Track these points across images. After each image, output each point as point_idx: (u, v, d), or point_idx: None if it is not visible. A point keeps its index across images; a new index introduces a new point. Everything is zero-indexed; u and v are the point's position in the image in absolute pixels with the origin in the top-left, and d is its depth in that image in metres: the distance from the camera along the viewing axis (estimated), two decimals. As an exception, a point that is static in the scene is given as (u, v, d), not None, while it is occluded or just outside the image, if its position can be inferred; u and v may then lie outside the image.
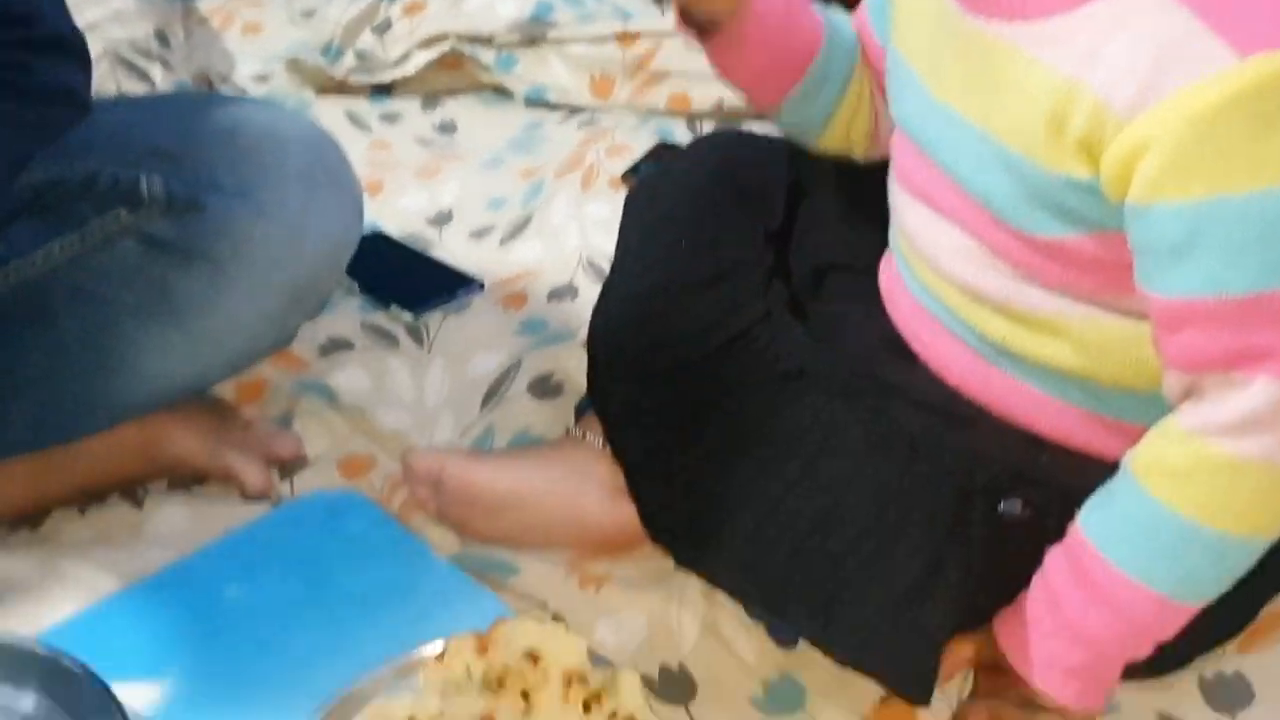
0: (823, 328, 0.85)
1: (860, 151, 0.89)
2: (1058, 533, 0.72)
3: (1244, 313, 0.62)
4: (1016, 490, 0.75)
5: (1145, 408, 0.71)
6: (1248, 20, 0.59)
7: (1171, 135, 0.59)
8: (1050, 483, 0.75)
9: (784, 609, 0.77)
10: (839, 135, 0.88)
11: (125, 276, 0.87)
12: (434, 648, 0.77)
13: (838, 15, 0.87)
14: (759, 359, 0.81)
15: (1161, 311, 0.65)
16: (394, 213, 1.29)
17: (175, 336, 0.88)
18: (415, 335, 1.12)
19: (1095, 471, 0.71)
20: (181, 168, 0.88)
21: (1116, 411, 0.74)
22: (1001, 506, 0.75)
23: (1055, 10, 0.64)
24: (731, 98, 1.30)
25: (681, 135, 1.38)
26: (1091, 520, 0.70)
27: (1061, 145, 0.65)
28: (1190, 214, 0.60)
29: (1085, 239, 0.68)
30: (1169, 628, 0.70)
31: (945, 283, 0.77)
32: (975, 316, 0.76)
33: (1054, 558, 0.72)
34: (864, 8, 0.87)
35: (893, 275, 0.84)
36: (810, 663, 0.79)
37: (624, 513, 0.85)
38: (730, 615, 0.83)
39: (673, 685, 0.80)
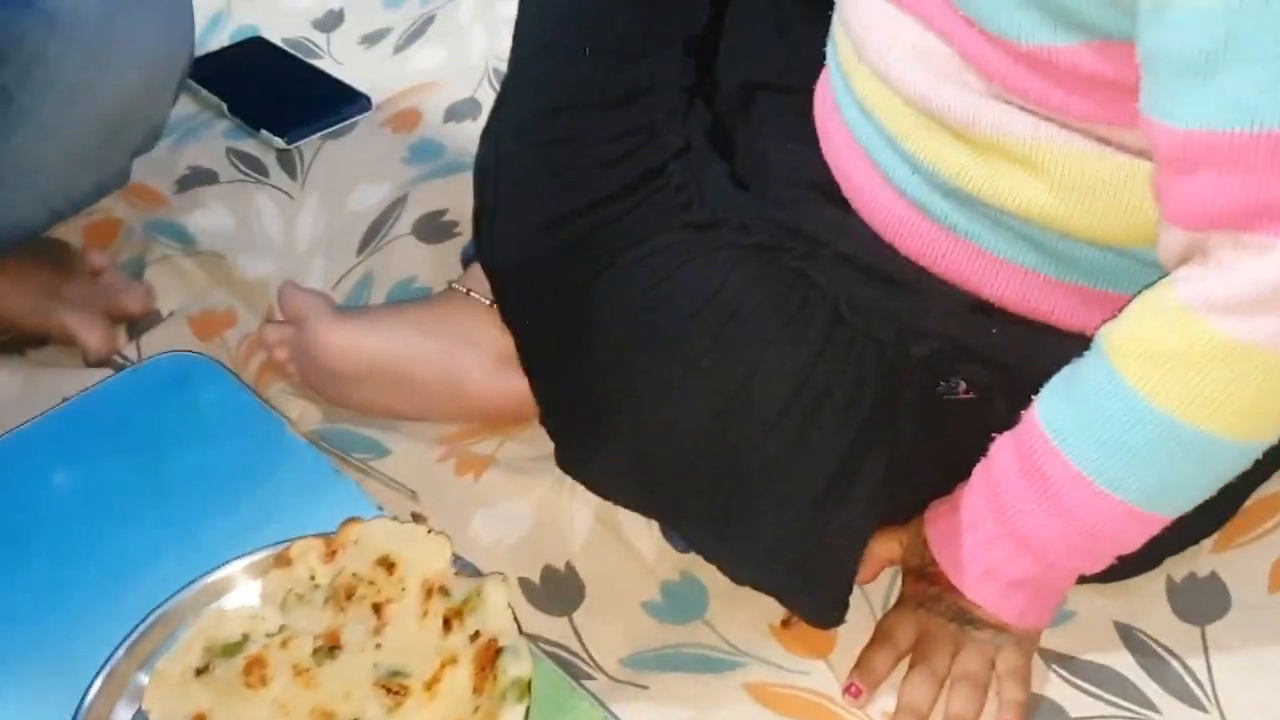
0: (747, 165, 0.70)
1: None
2: (1007, 420, 0.60)
3: (1275, 152, 0.48)
4: (959, 367, 0.63)
5: (1125, 273, 0.60)
6: None
7: None
8: (1000, 360, 0.63)
9: (675, 517, 0.66)
10: None
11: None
12: (276, 550, 0.66)
13: None
14: (669, 204, 0.68)
15: (1171, 146, 0.51)
16: (276, 13, 1.13)
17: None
18: (288, 165, 0.97)
19: (1056, 349, 0.59)
20: None
21: (1088, 276, 0.61)
22: (940, 386, 0.63)
23: None
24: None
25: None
26: (1051, 408, 0.58)
27: None
28: (1224, 16, 0.47)
29: (1082, 49, 0.54)
30: (1134, 540, 0.59)
31: (895, 99, 0.62)
32: (927, 145, 0.62)
33: (1001, 450, 0.60)
34: None
35: (829, 102, 0.69)
36: (718, 561, 0.68)
37: (512, 384, 0.74)
38: (629, 503, 0.72)
39: (557, 590, 0.69)
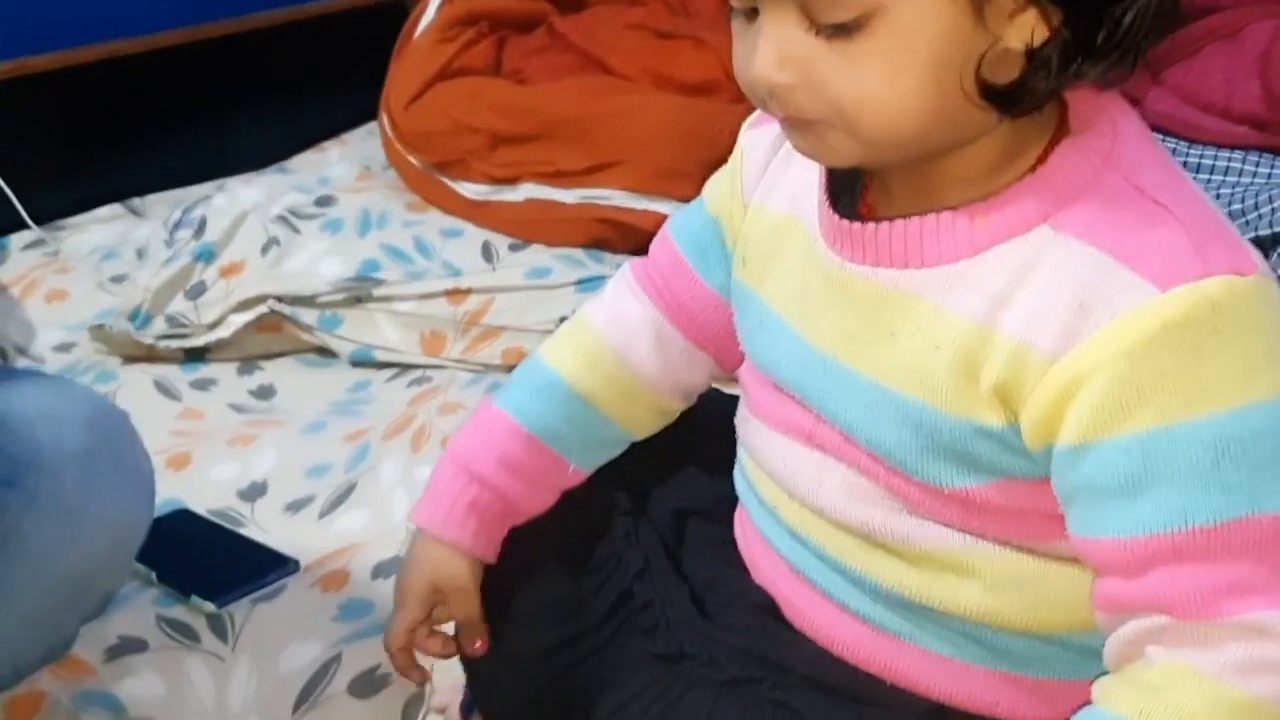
0: (697, 585, 0.76)
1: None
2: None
3: (1212, 543, 0.57)
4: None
5: (1068, 662, 0.65)
6: (1165, 259, 0.57)
7: (1107, 370, 0.57)
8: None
9: None
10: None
11: None
12: None
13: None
14: (638, 625, 0.73)
15: (1116, 556, 0.59)
16: (201, 487, 1.18)
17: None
18: (218, 629, 1.00)
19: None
20: None
21: (1030, 666, 0.67)
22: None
23: (959, 255, 0.61)
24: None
25: (517, 390, 1.32)
26: None
27: (973, 392, 0.61)
28: (1139, 447, 0.57)
29: (991, 487, 0.63)
30: None
31: (830, 526, 0.69)
32: (866, 562, 0.68)
33: None
34: (669, 251, 0.79)
35: (749, 534, 0.76)
36: None
37: None
38: None
39: None
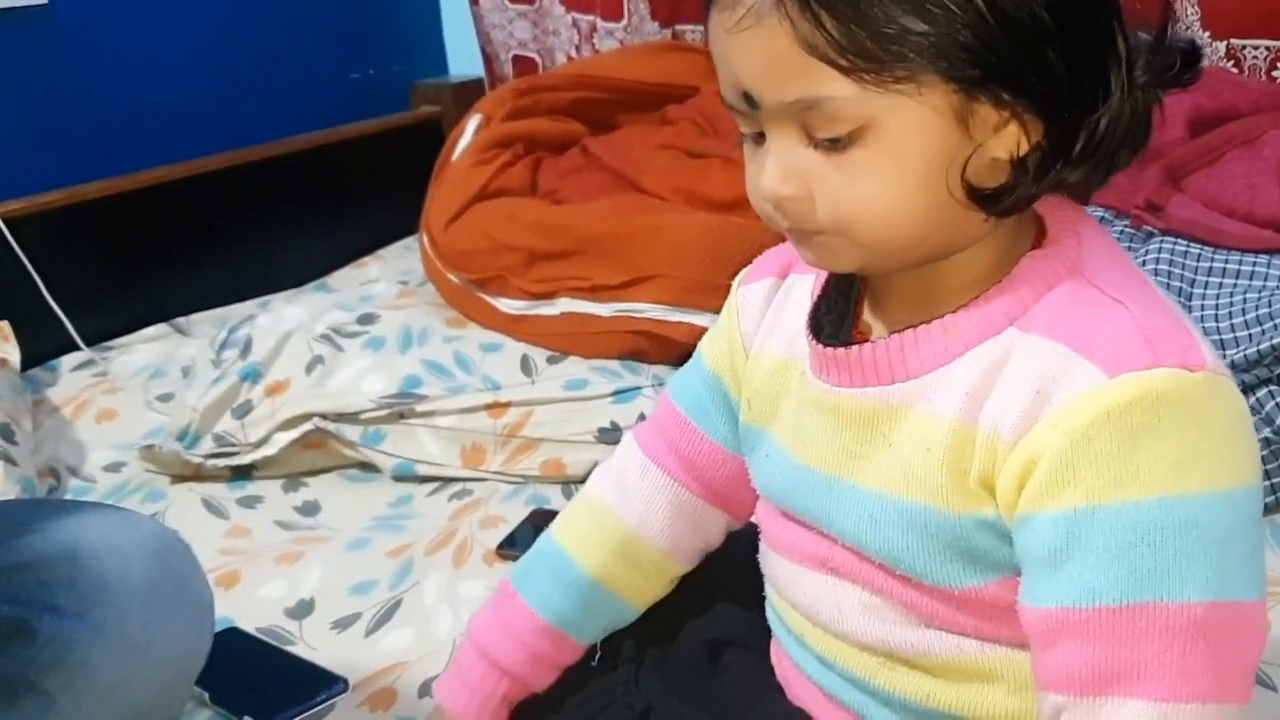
0: (735, 712, 0.78)
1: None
2: None
3: (1117, 624, 0.59)
4: None
5: None
6: (1115, 348, 0.60)
7: (1052, 448, 0.60)
8: None
9: None
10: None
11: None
12: None
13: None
14: None
15: (1035, 624, 0.62)
16: (251, 605, 1.20)
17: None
18: (271, 751, 1.01)
19: None
20: (11, 586, 0.79)
21: None
22: None
23: (939, 363, 0.65)
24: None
25: (557, 501, 1.34)
26: None
27: (965, 487, 0.64)
28: (1065, 522, 0.60)
29: (998, 585, 0.65)
30: None
31: (854, 648, 0.71)
32: (892, 679, 0.70)
33: None
34: (673, 414, 0.83)
35: (784, 663, 0.78)
36: None
37: None
38: None
39: None
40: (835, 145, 0.61)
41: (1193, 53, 0.64)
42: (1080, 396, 0.59)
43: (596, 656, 0.85)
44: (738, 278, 0.80)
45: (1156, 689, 0.58)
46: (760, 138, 0.64)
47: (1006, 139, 0.61)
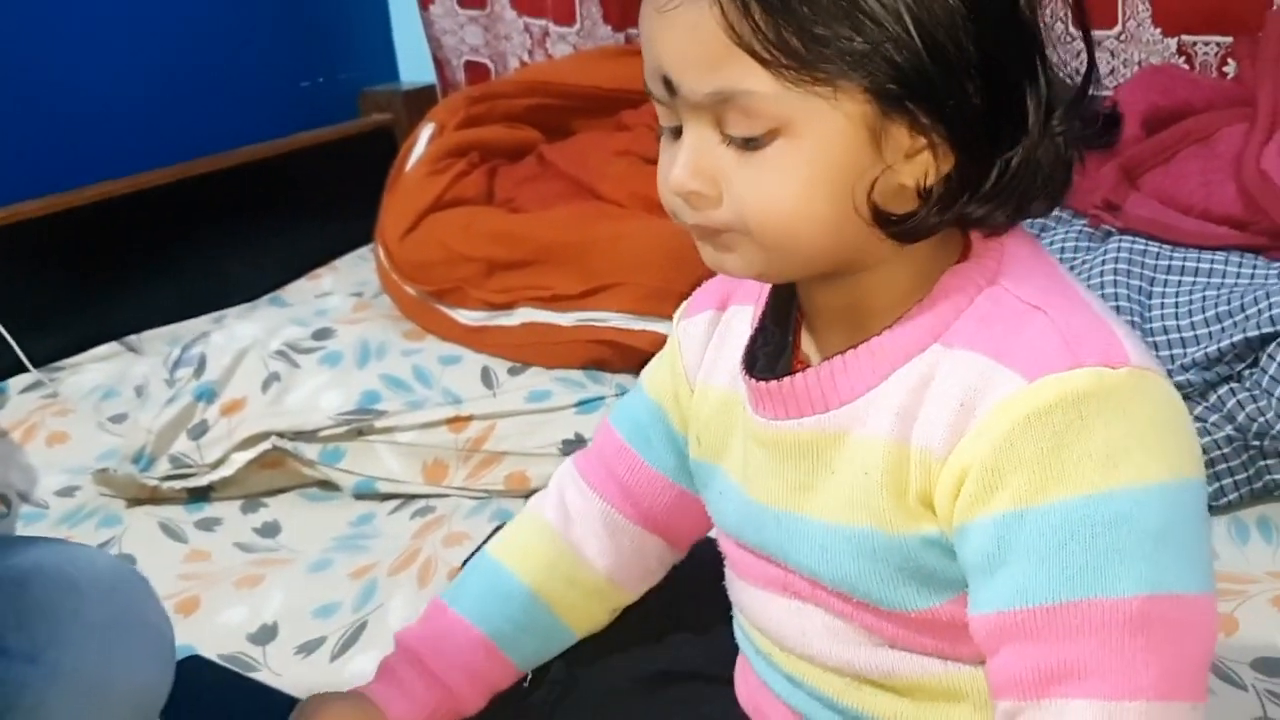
0: None
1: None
2: None
3: (1054, 623, 0.59)
4: None
5: None
6: (1034, 353, 0.61)
7: (979, 457, 0.60)
8: None
9: None
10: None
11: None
12: None
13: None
14: None
15: (979, 631, 0.62)
16: (212, 632, 1.17)
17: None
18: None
19: None
20: None
21: None
22: None
23: (868, 387, 0.65)
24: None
25: (522, 517, 1.32)
26: None
27: (906, 507, 0.64)
28: (996, 528, 0.60)
29: (953, 604, 0.65)
30: None
31: (821, 669, 0.71)
32: (859, 699, 0.70)
33: None
34: (612, 439, 0.83)
35: (752, 683, 0.77)
36: None
37: None
38: None
39: None
40: (748, 145, 0.61)
41: (1113, 116, 0.65)
42: (1002, 404, 0.60)
43: (527, 680, 0.83)
44: (678, 311, 0.80)
45: (1100, 687, 0.58)
46: (678, 133, 0.64)
47: (916, 167, 0.61)
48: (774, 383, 0.68)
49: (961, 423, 0.61)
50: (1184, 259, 1.32)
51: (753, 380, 0.69)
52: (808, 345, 0.70)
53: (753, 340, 0.72)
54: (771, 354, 0.71)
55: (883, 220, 0.62)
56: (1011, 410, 0.59)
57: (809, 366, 0.68)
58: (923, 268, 0.65)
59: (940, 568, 0.64)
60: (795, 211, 0.61)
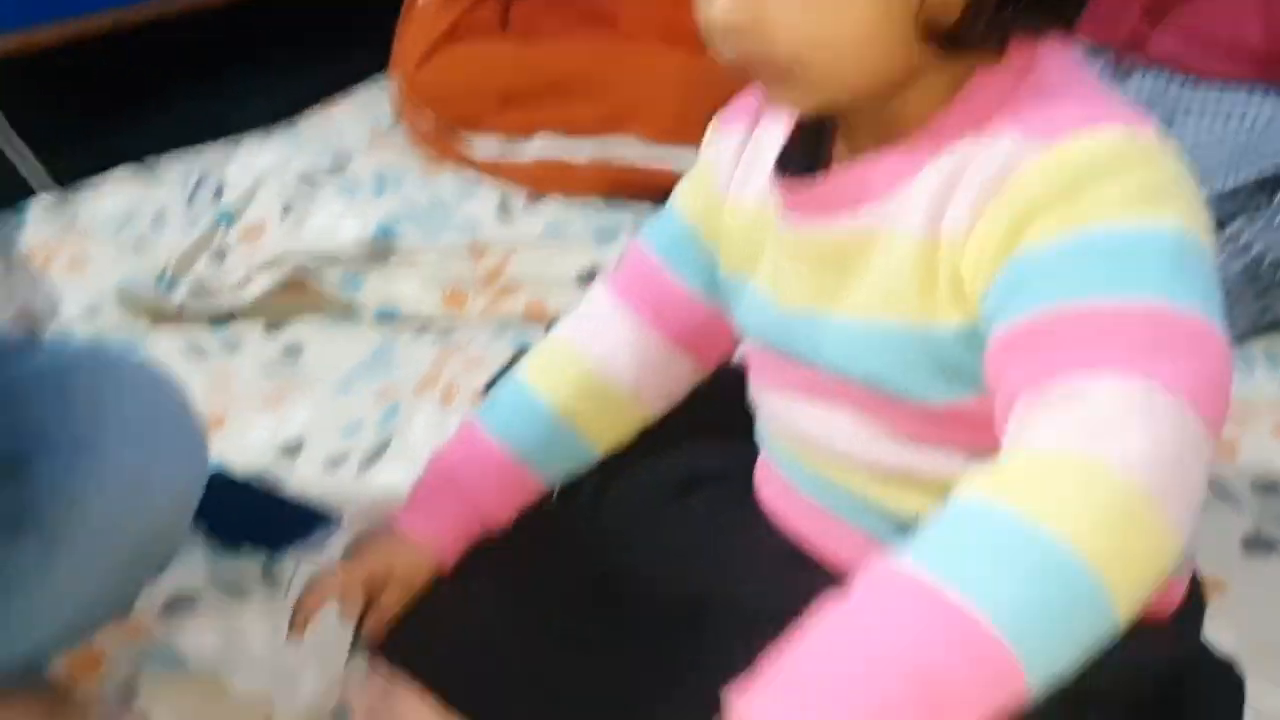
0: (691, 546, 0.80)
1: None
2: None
3: (1069, 327, 0.57)
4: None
5: None
6: (1065, 121, 0.61)
7: (1001, 217, 0.60)
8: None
9: None
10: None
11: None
12: None
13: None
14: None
15: (995, 358, 0.60)
16: (239, 447, 1.20)
17: (-1, 616, 0.78)
18: (269, 583, 1.03)
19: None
20: (2, 423, 0.79)
21: None
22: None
23: (900, 180, 0.65)
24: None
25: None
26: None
27: (935, 298, 0.64)
28: (1012, 264, 0.60)
29: (975, 401, 0.65)
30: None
31: (848, 470, 0.73)
32: (886, 495, 0.72)
33: None
34: (643, 257, 0.83)
35: (775, 483, 0.80)
36: None
37: None
38: None
39: None
40: None
41: None
42: (1026, 167, 0.60)
43: (554, 496, 0.86)
44: (709, 128, 0.79)
45: (1126, 371, 0.55)
46: None
47: None
48: (808, 178, 0.68)
49: (986, 198, 0.61)
50: (1204, 99, 1.31)
51: (786, 176, 0.70)
52: (840, 154, 0.70)
53: (786, 149, 0.72)
54: (804, 163, 0.71)
55: (933, 32, 0.62)
56: (1035, 167, 0.60)
57: None
58: (960, 75, 0.65)
59: (968, 361, 0.64)
60: (844, 41, 0.61)
